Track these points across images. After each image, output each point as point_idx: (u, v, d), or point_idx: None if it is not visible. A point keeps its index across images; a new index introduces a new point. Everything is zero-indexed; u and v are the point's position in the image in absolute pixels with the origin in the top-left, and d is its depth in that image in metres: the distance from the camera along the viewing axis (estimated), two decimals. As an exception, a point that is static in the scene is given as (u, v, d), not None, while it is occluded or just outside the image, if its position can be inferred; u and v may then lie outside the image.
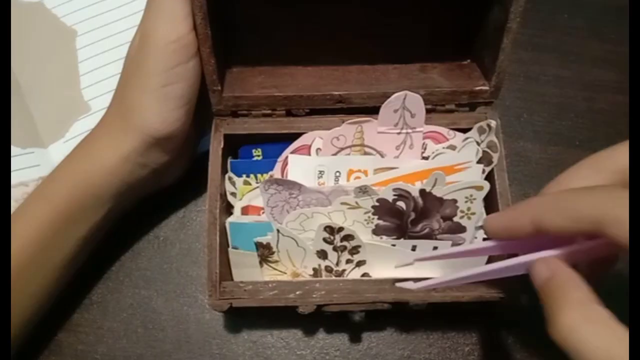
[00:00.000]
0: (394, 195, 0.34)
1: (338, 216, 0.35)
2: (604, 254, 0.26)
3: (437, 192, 0.34)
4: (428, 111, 0.38)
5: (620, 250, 0.22)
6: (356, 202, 0.34)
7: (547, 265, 0.25)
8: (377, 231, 0.36)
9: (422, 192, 0.34)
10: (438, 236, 0.36)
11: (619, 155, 0.25)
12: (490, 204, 0.37)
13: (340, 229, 0.34)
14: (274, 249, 0.36)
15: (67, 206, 0.35)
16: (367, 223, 0.35)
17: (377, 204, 0.34)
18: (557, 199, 0.25)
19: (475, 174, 0.37)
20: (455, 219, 0.35)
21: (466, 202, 0.35)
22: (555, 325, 0.23)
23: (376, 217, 0.35)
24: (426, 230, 0.36)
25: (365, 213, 0.35)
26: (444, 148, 0.38)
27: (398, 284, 0.31)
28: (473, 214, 0.35)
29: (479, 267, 0.28)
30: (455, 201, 0.34)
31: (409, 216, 0.35)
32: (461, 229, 0.36)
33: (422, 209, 0.35)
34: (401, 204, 0.34)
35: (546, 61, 0.50)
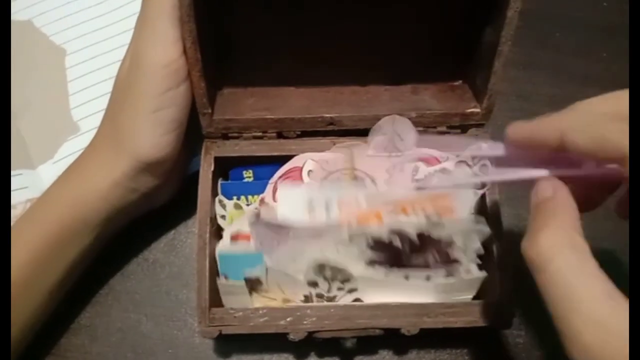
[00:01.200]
0: (390, 235, 0.34)
1: (330, 252, 0.35)
2: (605, 183, 0.27)
3: (435, 234, 0.34)
4: (420, 133, 0.38)
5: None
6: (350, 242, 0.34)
7: (552, 185, 0.25)
8: (371, 263, 0.35)
9: (420, 235, 0.34)
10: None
11: None
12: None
13: (332, 267, 0.34)
14: (264, 283, 0.35)
15: (57, 231, 0.35)
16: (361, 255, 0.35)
17: (371, 243, 0.34)
18: (590, 120, 0.24)
19: (468, 198, 0.37)
20: (451, 253, 0.35)
21: (464, 239, 0.34)
22: (534, 241, 0.24)
23: (370, 251, 0.35)
24: (421, 264, 0.35)
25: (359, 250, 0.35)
26: (435, 171, 0.38)
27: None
28: (469, 249, 0.35)
29: (488, 176, 0.31)
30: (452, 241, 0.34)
31: (404, 252, 0.35)
32: (456, 262, 0.35)
33: (419, 246, 0.34)
34: (397, 243, 0.34)
35: (539, 80, 0.50)
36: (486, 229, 0.35)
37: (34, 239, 0.34)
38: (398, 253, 0.35)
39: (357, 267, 0.35)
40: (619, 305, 0.21)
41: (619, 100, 0.24)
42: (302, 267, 0.34)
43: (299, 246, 0.35)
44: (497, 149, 0.29)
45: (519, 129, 0.27)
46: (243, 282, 0.35)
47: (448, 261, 0.35)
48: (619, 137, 0.22)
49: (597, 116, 0.24)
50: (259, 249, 0.35)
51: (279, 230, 0.35)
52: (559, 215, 0.24)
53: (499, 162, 0.29)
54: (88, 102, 0.46)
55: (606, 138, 0.23)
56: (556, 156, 0.25)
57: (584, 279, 0.22)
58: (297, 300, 0.36)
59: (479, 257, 0.37)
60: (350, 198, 0.37)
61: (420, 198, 0.36)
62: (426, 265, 0.35)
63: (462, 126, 0.39)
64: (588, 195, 0.27)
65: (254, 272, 0.34)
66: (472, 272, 0.35)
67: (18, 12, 0.49)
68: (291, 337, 0.34)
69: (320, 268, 0.34)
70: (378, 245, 0.34)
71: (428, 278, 0.35)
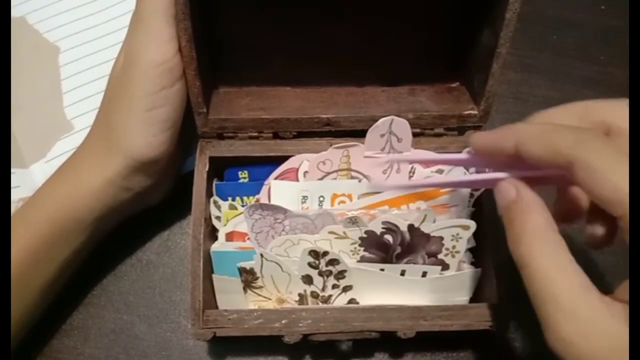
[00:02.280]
0: (383, 228, 0.33)
1: (324, 244, 0.34)
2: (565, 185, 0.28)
3: (425, 228, 0.33)
4: (416, 135, 0.38)
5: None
6: (344, 232, 0.34)
7: (514, 186, 0.26)
8: (362, 260, 0.35)
9: (411, 227, 0.33)
10: None
11: (608, 109, 0.25)
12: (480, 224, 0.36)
13: (325, 253, 0.34)
14: (258, 274, 0.35)
15: (49, 231, 0.34)
16: (353, 254, 0.35)
17: (364, 235, 0.34)
18: (541, 130, 0.25)
19: (463, 198, 0.37)
20: (440, 256, 0.35)
21: (452, 240, 0.34)
22: (517, 246, 0.25)
23: (362, 248, 0.34)
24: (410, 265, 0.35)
25: (352, 244, 0.34)
26: (432, 172, 0.38)
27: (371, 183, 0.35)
28: (457, 252, 0.35)
29: (450, 177, 0.31)
30: (441, 238, 0.34)
31: (394, 250, 0.34)
32: (445, 266, 0.35)
33: (409, 243, 0.34)
34: (388, 237, 0.34)
35: (536, 82, 0.50)
36: (473, 224, 0.34)
37: (25, 238, 0.34)
38: (389, 252, 0.35)
39: (351, 260, 0.35)
40: (593, 298, 0.23)
41: (575, 110, 0.26)
42: (296, 259, 0.34)
43: (294, 239, 0.34)
44: (462, 156, 0.31)
45: (481, 138, 0.28)
46: (238, 278, 0.35)
47: (436, 263, 0.35)
48: (568, 146, 0.23)
49: (551, 126, 0.25)
50: (254, 239, 0.35)
51: (273, 222, 0.34)
52: (532, 215, 0.25)
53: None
54: (82, 101, 0.45)
55: (557, 146, 0.24)
56: (517, 161, 0.26)
57: (561, 274, 0.23)
58: (292, 299, 0.36)
59: (474, 256, 0.37)
60: (344, 192, 0.37)
61: (415, 195, 0.36)
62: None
63: (459, 128, 0.38)
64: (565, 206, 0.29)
65: (248, 263, 0.34)
66: (464, 268, 0.35)
67: (12, 8, 0.49)
68: (286, 339, 0.33)
69: (315, 256, 0.34)
70: (370, 239, 0.34)
71: (424, 274, 0.35)
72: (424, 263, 0.35)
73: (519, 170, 0.27)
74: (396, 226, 0.33)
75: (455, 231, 0.34)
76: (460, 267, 0.36)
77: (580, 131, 0.24)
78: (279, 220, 0.34)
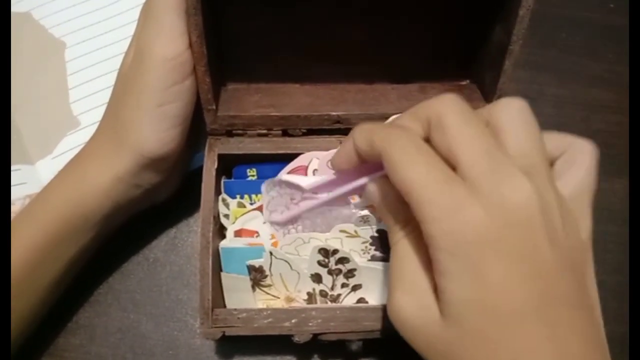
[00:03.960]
0: None
1: (335, 243, 0.34)
2: None
3: None
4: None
5: None
6: (355, 231, 0.34)
7: (378, 185, 0.29)
8: (373, 259, 0.35)
9: None
10: None
11: (431, 106, 0.27)
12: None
13: (335, 251, 0.33)
14: (267, 273, 0.35)
15: (57, 228, 0.34)
16: (364, 253, 0.35)
17: (376, 234, 0.33)
18: (367, 127, 0.28)
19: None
20: None
21: None
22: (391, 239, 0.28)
23: (373, 247, 0.34)
24: None
25: (363, 243, 0.34)
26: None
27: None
28: None
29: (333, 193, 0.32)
30: None
31: None
32: None
33: None
34: None
35: (544, 80, 0.50)
36: None
37: (33, 235, 0.34)
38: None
39: (361, 259, 0.35)
40: (429, 282, 0.25)
41: (410, 111, 0.28)
42: (305, 258, 0.34)
43: (305, 237, 0.34)
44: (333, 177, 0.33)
45: (334, 157, 0.31)
46: (246, 276, 0.35)
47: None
48: (378, 140, 0.26)
49: (374, 124, 0.28)
50: (268, 210, 0.35)
51: (289, 201, 0.34)
52: (390, 218, 0.28)
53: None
54: (88, 96, 0.45)
55: (372, 140, 0.26)
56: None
57: (410, 261, 0.26)
58: (300, 298, 0.36)
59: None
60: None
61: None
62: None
63: (470, 126, 0.38)
64: None
65: (258, 261, 0.34)
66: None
67: (17, 3, 0.48)
68: (296, 339, 0.33)
69: (324, 255, 0.33)
70: (382, 239, 0.34)
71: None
72: None
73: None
74: None
75: None
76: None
77: (391, 128, 0.27)
78: (294, 201, 0.34)
